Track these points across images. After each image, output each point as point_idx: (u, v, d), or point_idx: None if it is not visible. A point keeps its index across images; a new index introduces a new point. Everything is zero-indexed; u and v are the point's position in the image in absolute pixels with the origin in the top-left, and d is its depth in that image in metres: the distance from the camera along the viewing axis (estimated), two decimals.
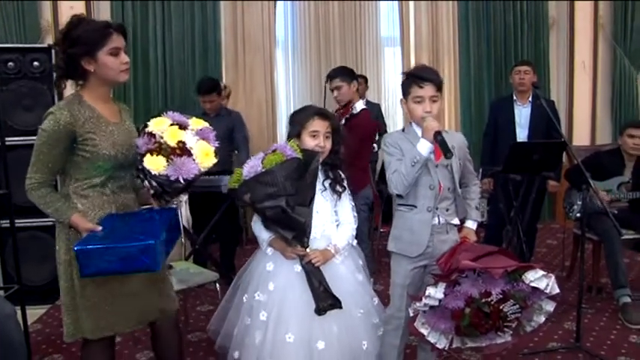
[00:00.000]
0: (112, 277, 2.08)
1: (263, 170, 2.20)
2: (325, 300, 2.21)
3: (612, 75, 6.47)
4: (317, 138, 2.39)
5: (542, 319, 2.30)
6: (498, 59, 6.27)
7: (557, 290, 2.18)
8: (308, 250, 2.28)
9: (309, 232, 2.28)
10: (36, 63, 4.08)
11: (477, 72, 6.29)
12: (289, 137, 2.42)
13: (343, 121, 3.70)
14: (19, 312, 2.82)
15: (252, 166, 2.23)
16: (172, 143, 1.99)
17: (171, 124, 2.04)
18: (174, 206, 2.20)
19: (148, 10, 5.69)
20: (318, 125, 2.40)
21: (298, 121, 2.42)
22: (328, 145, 2.41)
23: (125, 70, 2.13)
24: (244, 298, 2.37)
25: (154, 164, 1.96)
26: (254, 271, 2.41)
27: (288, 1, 6.18)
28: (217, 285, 3.27)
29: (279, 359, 2.21)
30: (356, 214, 2.50)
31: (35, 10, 5.47)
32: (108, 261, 1.88)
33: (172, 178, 1.97)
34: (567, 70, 6.49)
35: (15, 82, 4.02)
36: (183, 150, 1.99)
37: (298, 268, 2.30)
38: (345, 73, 3.91)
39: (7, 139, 3.34)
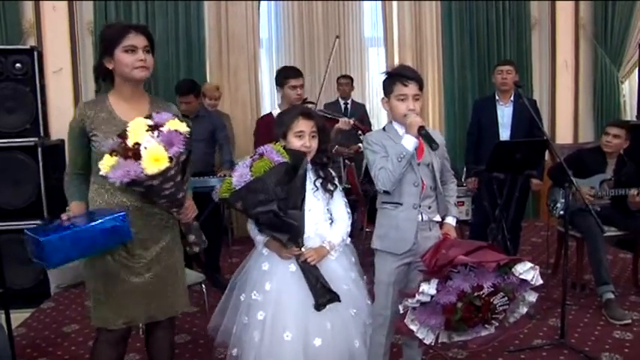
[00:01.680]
0: (109, 273, 2.16)
1: (252, 178, 2.22)
2: (324, 295, 2.25)
3: (594, 74, 6.56)
4: (302, 138, 2.40)
5: (525, 309, 2.35)
6: (481, 58, 6.33)
7: (540, 281, 2.23)
8: (303, 249, 2.31)
9: (303, 233, 2.31)
10: (18, 65, 4.08)
11: (460, 71, 6.34)
12: (276, 139, 2.42)
13: None
14: (2, 316, 2.80)
15: (240, 175, 2.24)
16: (130, 144, 1.99)
17: (149, 125, 2.03)
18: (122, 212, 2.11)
19: (132, 10, 5.67)
20: (303, 125, 2.41)
21: (284, 122, 2.43)
22: (314, 144, 2.42)
23: (140, 67, 2.16)
24: (242, 297, 2.39)
25: (105, 164, 1.99)
26: (250, 270, 2.43)
27: (272, 1, 6.20)
28: (203, 286, 3.25)
29: (278, 357, 2.24)
30: (349, 211, 2.52)
31: (17, 11, 5.43)
32: (32, 249, 1.94)
33: (110, 181, 1.98)
34: (549, 70, 6.57)
35: None
36: (134, 153, 1.97)
37: (293, 267, 2.33)
38: (294, 72, 3.82)
39: None
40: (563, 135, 6.58)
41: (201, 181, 4.07)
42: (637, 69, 6.12)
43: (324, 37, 6.18)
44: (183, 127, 2.06)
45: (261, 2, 6.10)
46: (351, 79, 5.94)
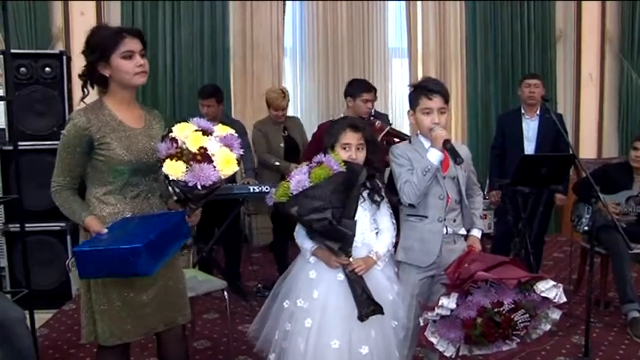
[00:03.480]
0: (123, 285, 2.11)
1: (311, 185, 2.24)
2: (368, 306, 2.26)
3: (619, 88, 6.47)
4: (349, 150, 2.42)
5: (548, 327, 2.34)
6: (505, 71, 6.28)
7: (564, 299, 2.23)
8: (351, 259, 2.32)
9: (353, 243, 2.32)
10: (47, 69, 4.14)
11: (484, 84, 6.30)
12: (325, 149, 2.44)
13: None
14: (27, 316, 2.83)
15: (299, 181, 2.26)
16: (194, 149, 1.98)
17: (196, 130, 2.03)
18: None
19: (158, 18, 5.73)
20: (349, 138, 2.43)
21: (332, 133, 2.45)
22: (360, 156, 2.43)
23: (140, 73, 2.13)
24: (285, 304, 2.40)
25: (173, 169, 1.96)
26: (296, 278, 2.44)
27: (297, 11, 6.21)
28: (225, 293, 3.26)
29: None
30: (394, 221, 2.52)
31: (46, 16, 5.52)
32: (102, 263, 1.88)
33: (190, 184, 1.96)
34: (574, 83, 6.50)
35: (27, 87, 4.09)
36: (204, 156, 1.98)
37: (341, 276, 2.34)
38: (367, 87, 4.08)
39: (19, 143, 3.36)
40: (587, 150, 6.49)
41: (223, 189, 4.08)
42: None
43: (348, 47, 6.18)
44: (232, 131, 2.11)
45: (286, 11, 6.13)
46: (375, 90, 5.93)
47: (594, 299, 3.98)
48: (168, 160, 1.98)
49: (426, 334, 2.28)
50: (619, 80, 6.48)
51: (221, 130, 2.08)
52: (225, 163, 2.01)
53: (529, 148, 4.18)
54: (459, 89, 6.40)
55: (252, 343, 2.51)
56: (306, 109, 6.24)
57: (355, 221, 2.31)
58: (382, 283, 2.40)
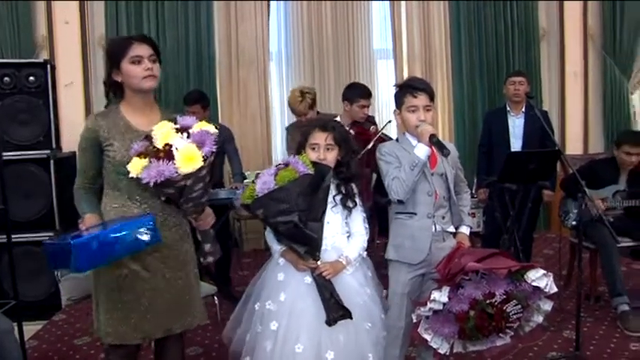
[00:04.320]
0: (125, 288, 2.16)
1: (276, 187, 2.22)
2: (336, 311, 2.25)
3: (603, 84, 6.52)
4: (317, 150, 2.40)
5: (541, 318, 2.36)
6: (491, 70, 6.31)
7: (555, 289, 2.25)
8: (319, 262, 2.31)
9: (321, 246, 2.31)
10: (32, 78, 4.12)
11: (469, 83, 6.33)
12: (297, 150, 2.43)
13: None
14: (15, 328, 2.80)
15: (264, 182, 2.25)
16: (160, 146, 1.99)
17: (175, 128, 2.04)
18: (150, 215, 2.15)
19: (142, 25, 5.71)
20: (318, 138, 2.41)
21: (302, 133, 2.46)
22: (330, 157, 2.41)
23: (148, 77, 2.17)
24: (256, 306, 2.39)
25: (135, 166, 1.99)
26: (266, 280, 2.43)
27: (282, 12, 6.21)
28: (215, 298, 3.25)
29: None
30: (367, 226, 2.51)
31: (30, 25, 5.48)
32: (55, 256, 1.97)
33: (144, 181, 1.97)
34: (558, 81, 6.55)
35: (10, 97, 4.05)
36: (166, 153, 1.98)
37: (308, 279, 2.33)
38: (365, 91, 4.12)
39: (2, 153, 3.33)
40: (574, 146, 6.54)
41: (212, 194, 4.07)
42: None
43: (333, 49, 6.19)
44: (212, 129, 2.08)
45: (271, 17, 6.12)
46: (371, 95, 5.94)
47: (584, 294, 4.01)
48: (135, 158, 2.01)
49: (419, 330, 2.28)
50: (602, 77, 6.53)
51: (199, 126, 2.07)
52: (187, 159, 1.98)
53: (516, 145, 4.22)
54: (445, 89, 6.42)
55: (226, 345, 2.50)
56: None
57: (322, 224, 2.29)
58: (353, 287, 2.38)
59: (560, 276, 4.38)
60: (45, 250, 2.00)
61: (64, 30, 5.58)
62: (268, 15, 6.10)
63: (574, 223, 3.86)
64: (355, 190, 2.49)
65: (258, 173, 2.39)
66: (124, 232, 2.01)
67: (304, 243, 2.28)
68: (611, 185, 3.97)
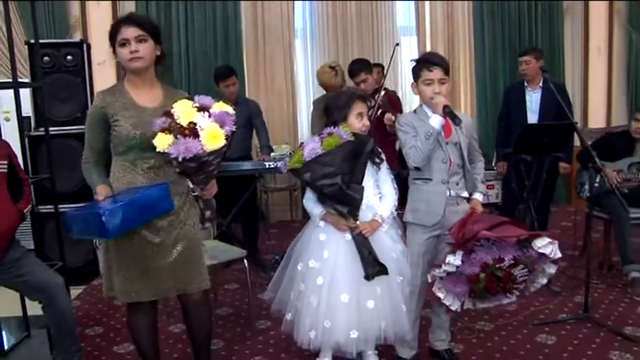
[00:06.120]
0: (137, 250, 2.34)
1: (323, 152, 2.44)
2: (374, 267, 2.48)
3: (627, 59, 6.54)
4: (362, 118, 2.62)
5: (545, 280, 2.54)
6: (513, 45, 6.34)
7: (559, 255, 2.42)
8: (358, 222, 2.53)
9: (360, 206, 2.53)
10: (69, 57, 4.32)
11: (491, 58, 6.38)
12: (335, 122, 2.59)
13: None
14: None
15: (312, 149, 2.46)
16: (184, 123, 2.15)
17: (195, 107, 2.20)
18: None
19: (172, 5, 5.89)
20: (361, 107, 2.64)
21: (342, 105, 2.62)
22: (368, 123, 2.66)
23: (133, 59, 2.31)
24: (299, 266, 2.63)
25: (161, 142, 2.15)
26: (307, 241, 2.66)
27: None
28: (245, 263, 3.46)
29: (334, 318, 2.47)
30: (396, 186, 2.72)
31: (63, 6, 5.70)
32: (80, 224, 2.15)
33: (172, 156, 2.13)
34: (582, 55, 6.56)
35: (50, 75, 4.26)
36: (191, 130, 2.14)
37: (348, 236, 2.55)
38: (366, 66, 4.17)
39: (42, 129, 3.56)
40: (596, 119, 6.59)
41: (240, 165, 4.30)
42: None
43: (357, 27, 6.31)
44: (230, 109, 2.25)
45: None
46: (383, 67, 6.06)
47: (598, 263, 4.16)
48: (160, 134, 2.17)
49: (433, 289, 2.50)
50: (627, 52, 6.54)
51: (219, 107, 2.23)
52: (212, 138, 2.14)
53: (532, 118, 4.33)
54: (467, 64, 6.51)
55: (268, 304, 2.75)
56: (317, 88, 6.35)
57: (362, 187, 2.52)
58: (386, 244, 2.61)
59: (575, 246, 4.53)
60: (69, 219, 2.16)
61: (96, 10, 5.80)
62: None
63: (588, 194, 3.97)
64: (379, 150, 2.71)
65: (302, 143, 2.57)
66: (147, 199, 2.22)
67: (347, 204, 2.52)
68: (627, 157, 4.05)
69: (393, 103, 4.06)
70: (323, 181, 2.45)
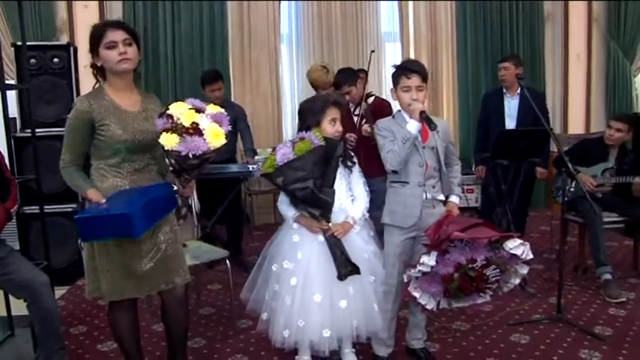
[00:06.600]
0: (125, 251, 2.39)
1: (295, 157, 2.52)
2: (346, 267, 2.56)
3: (606, 67, 6.70)
4: (335, 124, 2.71)
5: (517, 280, 2.62)
6: (495, 52, 6.46)
7: (531, 256, 2.50)
8: (330, 224, 2.62)
9: (332, 209, 2.63)
10: (56, 59, 4.36)
11: (474, 65, 6.52)
12: (308, 126, 2.68)
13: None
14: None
15: (283, 154, 2.54)
16: (187, 124, 2.25)
17: (190, 109, 2.31)
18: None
19: (158, 8, 5.95)
20: (335, 113, 2.72)
21: (317, 110, 2.71)
22: (341, 129, 2.74)
23: (122, 61, 2.37)
24: (273, 267, 2.70)
25: (168, 141, 2.24)
26: (281, 243, 2.74)
27: (293, 1, 6.42)
28: (227, 263, 3.52)
29: (308, 317, 2.54)
30: (367, 189, 2.81)
31: (51, 9, 5.73)
32: (100, 227, 2.19)
33: (183, 154, 2.23)
34: (562, 63, 6.72)
35: (37, 77, 4.29)
36: (195, 130, 2.25)
37: (321, 238, 2.64)
38: (350, 76, 4.18)
39: (28, 130, 3.60)
40: (576, 125, 6.74)
41: (225, 168, 4.37)
42: None
43: (342, 33, 6.41)
44: (223, 111, 2.39)
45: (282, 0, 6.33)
46: (366, 73, 6.14)
47: (574, 266, 4.28)
48: (164, 134, 2.25)
49: (409, 289, 2.58)
50: (606, 60, 6.70)
51: (211, 108, 2.36)
52: (214, 136, 2.28)
53: (510, 124, 4.45)
54: (450, 71, 6.63)
55: (244, 304, 2.83)
56: (302, 92, 6.44)
57: (334, 190, 2.63)
58: (358, 244, 2.70)
59: (552, 250, 4.65)
60: (85, 223, 2.19)
61: (83, 12, 5.83)
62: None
63: (565, 198, 4.07)
64: (352, 153, 2.81)
65: (274, 148, 2.67)
66: (161, 198, 2.36)
67: (319, 207, 2.60)
68: (601, 163, 4.16)
69: (383, 107, 4.12)
70: (295, 185, 2.54)
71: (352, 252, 2.61)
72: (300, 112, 2.81)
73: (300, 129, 2.70)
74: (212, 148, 2.27)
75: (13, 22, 5.39)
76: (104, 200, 2.32)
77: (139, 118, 2.46)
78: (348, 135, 3.92)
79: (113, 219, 2.17)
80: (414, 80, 2.64)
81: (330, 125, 2.70)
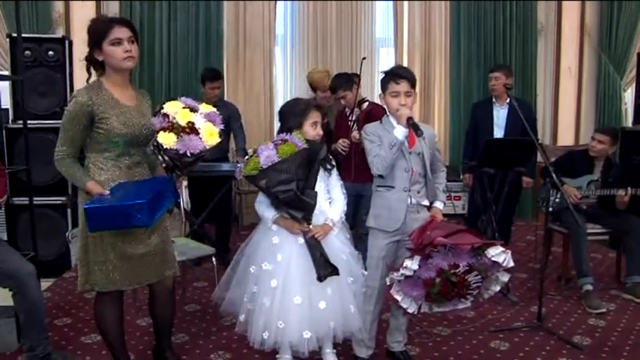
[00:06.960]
0: (119, 241, 2.44)
1: (279, 159, 2.54)
2: (326, 268, 2.60)
3: (597, 81, 6.77)
4: (316, 127, 2.74)
5: (498, 287, 2.67)
6: (487, 61, 6.51)
7: (512, 264, 2.55)
8: (310, 226, 2.65)
9: (314, 211, 2.65)
10: (51, 52, 4.38)
11: (466, 73, 6.58)
12: (290, 128, 2.71)
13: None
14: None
15: (267, 156, 2.56)
16: (183, 123, 2.31)
17: (184, 108, 2.36)
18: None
19: (155, 5, 5.98)
20: (316, 116, 2.76)
21: (299, 113, 2.74)
22: (322, 132, 2.78)
23: (127, 58, 2.42)
24: (251, 269, 2.71)
25: (166, 139, 2.30)
26: (259, 244, 2.75)
27: (288, 1, 6.46)
28: (214, 261, 3.55)
29: (287, 319, 2.57)
30: (345, 192, 2.85)
31: (47, 2, 5.74)
32: (109, 218, 2.22)
33: (181, 152, 2.30)
34: (553, 75, 6.79)
35: (31, 69, 4.30)
36: (191, 129, 2.31)
37: (301, 240, 2.66)
38: (346, 81, 4.23)
39: (20, 122, 3.61)
40: (565, 137, 6.82)
41: (216, 166, 4.40)
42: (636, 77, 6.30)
43: (337, 37, 6.46)
44: (215, 110, 2.45)
45: (278, 2, 6.36)
46: (359, 77, 6.18)
47: (557, 276, 4.34)
48: (161, 132, 2.31)
49: (392, 292, 2.62)
50: (597, 73, 6.78)
51: (204, 107, 2.42)
52: (209, 135, 2.35)
53: (498, 133, 4.52)
54: (443, 77, 6.69)
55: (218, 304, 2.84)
56: (295, 94, 6.47)
57: (316, 192, 2.65)
58: (337, 246, 2.74)
59: (536, 259, 4.70)
60: (95, 213, 2.21)
61: (80, 7, 5.85)
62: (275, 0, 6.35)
63: (550, 209, 4.14)
64: (330, 157, 2.85)
65: (255, 150, 2.67)
66: (165, 190, 2.42)
67: (301, 209, 2.63)
68: (587, 175, 4.22)
69: (379, 113, 4.15)
70: (279, 187, 2.56)
71: (331, 253, 2.64)
72: (281, 114, 2.84)
73: (280, 131, 2.73)
74: (208, 147, 2.34)
75: (9, 13, 5.40)
76: (107, 192, 2.36)
77: (136, 113, 2.51)
78: (341, 140, 3.98)
79: (126, 209, 2.20)
80: (403, 86, 2.69)
81: (312, 128, 2.73)
